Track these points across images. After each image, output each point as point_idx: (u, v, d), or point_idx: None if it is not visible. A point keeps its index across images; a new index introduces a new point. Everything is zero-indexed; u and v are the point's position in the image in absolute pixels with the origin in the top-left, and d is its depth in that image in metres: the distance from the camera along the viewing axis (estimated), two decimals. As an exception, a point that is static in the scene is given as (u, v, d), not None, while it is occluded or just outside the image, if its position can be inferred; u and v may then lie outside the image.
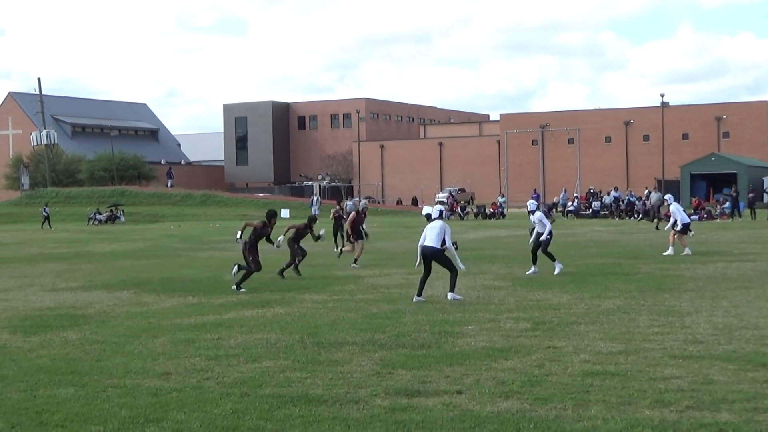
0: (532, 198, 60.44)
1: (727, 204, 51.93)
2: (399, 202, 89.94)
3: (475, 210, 63.14)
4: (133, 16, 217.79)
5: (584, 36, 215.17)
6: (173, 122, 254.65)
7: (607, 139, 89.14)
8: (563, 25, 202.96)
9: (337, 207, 30.86)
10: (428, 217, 19.63)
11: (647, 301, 14.86)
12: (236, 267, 18.37)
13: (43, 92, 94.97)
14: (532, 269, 20.01)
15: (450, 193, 78.14)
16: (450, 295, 15.53)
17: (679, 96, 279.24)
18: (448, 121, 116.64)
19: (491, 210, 61.63)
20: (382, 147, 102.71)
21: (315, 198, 67.80)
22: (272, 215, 19.19)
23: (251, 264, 18.16)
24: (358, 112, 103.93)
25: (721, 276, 18.75)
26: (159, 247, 33.81)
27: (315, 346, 11.31)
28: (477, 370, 9.66)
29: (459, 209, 62.24)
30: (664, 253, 24.56)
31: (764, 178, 70.40)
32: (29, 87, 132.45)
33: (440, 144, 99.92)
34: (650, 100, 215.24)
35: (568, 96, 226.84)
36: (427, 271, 15.81)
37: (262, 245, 18.80)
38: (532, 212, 20.96)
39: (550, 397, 8.42)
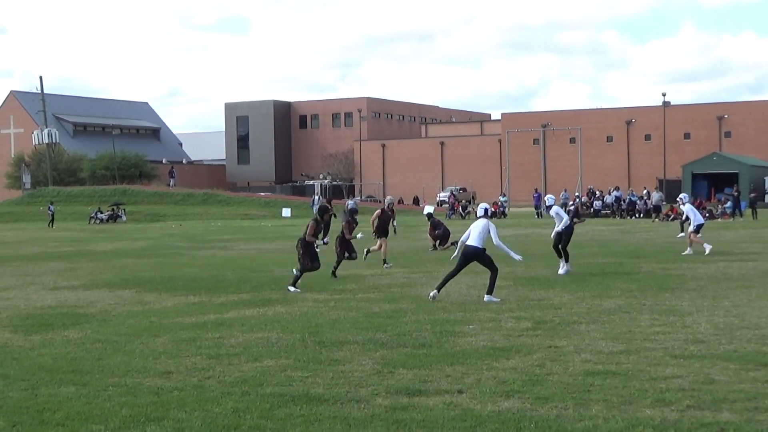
0: (539, 197, 60.52)
1: (729, 203, 51.92)
2: (400, 202, 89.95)
3: (476, 209, 63.13)
4: (135, 14, 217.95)
5: (586, 35, 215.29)
6: (175, 121, 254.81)
7: (609, 139, 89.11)
8: (565, 24, 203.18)
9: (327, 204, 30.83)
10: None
11: (648, 301, 14.85)
12: (296, 269, 17.99)
13: (45, 91, 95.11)
14: (563, 267, 19.75)
15: (451, 193, 78.20)
16: (486, 297, 15.29)
17: (681, 95, 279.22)
18: (450, 120, 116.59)
19: (493, 209, 61.62)
20: (383, 146, 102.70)
21: (316, 197, 67.81)
22: (324, 210, 18.69)
23: (303, 263, 17.65)
24: (359, 111, 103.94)
25: (723, 275, 18.74)
26: (160, 246, 33.82)
27: (316, 345, 11.31)
28: (478, 370, 9.66)
29: (460, 209, 62.25)
30: (683, 253, 24.31)
31: (766, 178, 70.43)
32: (31, 86, 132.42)
33: (442, 143, 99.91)
34: (652, 99, 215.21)
35: (570, 95, 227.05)
36: (458, 269, 15.63)
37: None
38: (550, 207, 20.76)
39: (551, 396, 8.42)
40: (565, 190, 65.01)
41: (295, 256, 18.24)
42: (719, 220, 49.02)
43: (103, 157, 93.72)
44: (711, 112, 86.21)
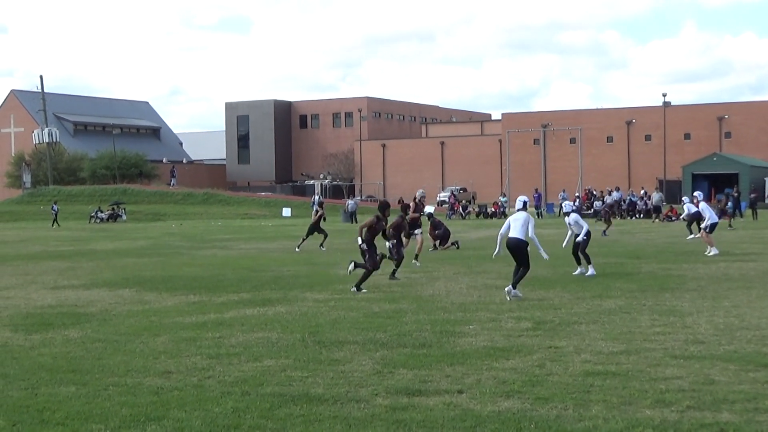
0: (540, 197, 60.51)
1: (729, 204, 51.88)
2: (400, 201, 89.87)
3: (476, 209, 63.16)
4: (136, 14, 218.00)
5: (587, 35, 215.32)
6: (175, 120, 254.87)
7: (609, 139, 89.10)
8: (566, 25, 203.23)
9: (318, 207, 30.88)
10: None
11: (648, 301, 14.85)
12: (353, 264, 17.47)
13: (46, 90, 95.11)
14: (579, 270, 19.55)
15: (452, 192, 78.16)
16: (512, 292, 15.27)
17: (682, 95, 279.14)
18: (450, 120, 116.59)
19: (493, 209, 61.66)
20: (383, 146, 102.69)
21: (317, 197, 67.83)
22: (385, 207, 17.98)
23: (368, 263, 17.15)
24: (360, 110, 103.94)
25: (723, 276, 18.73)
26: (160, 246, 33.83)
27: (316, 345, 11.31)
28: (478, 370, 9.66)
29: (461, 208, 62.24)
30: (707, 254, 24.09)
31: (766, 179, 70.41)
32: (31, 85, 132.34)
33: (442, 143, 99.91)
34: (653, 99, 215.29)
35: (571, 95, 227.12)
36: (518, 263, 15.67)
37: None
38: (567, 214, 20.44)
39: (551, 396, 8.42)
40: (564, 191, 64.94)
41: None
42: (721, 220, 48.93)
43: (104, 157, 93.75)
44: (711, 113, 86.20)
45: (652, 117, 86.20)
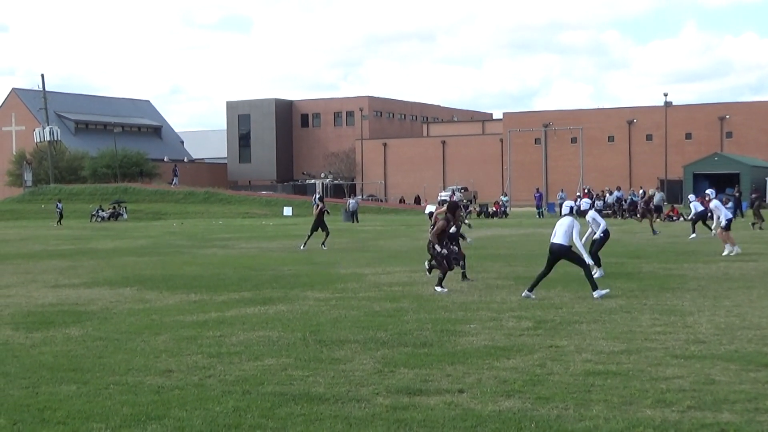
0: (541, 196, 60.36)
1: (730, 204, 51.84)
2: (402, 201, 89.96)
3: (477, 209, 63.14)
4: (137, 13, 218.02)
5: (588, 35, 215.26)
6: (176, 119, 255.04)
7: (610, 139, 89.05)
8: (567, 24, 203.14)
9: (318, 201, 30.90)
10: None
11: (649, 301, 14.85)
12: (428, 266, 17.54)
13: (47, 89, 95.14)
14: (598, 271, 19.10)
15: (453, 192, 78.10)
16: (596, 294, 15.20)
17: (683, 95, 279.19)
18: (452, 119, 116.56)
19: (494, 209, 61.64)
20: (385, 145, 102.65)
21: (317, 196, 67.82)
22: (455, 207, 17.95)
23: (446, 263, 16.96)
24: (361, 110, 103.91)
25: (724, 276, 18.73)
26: (161, 245, 33.83)
27: (317, 344, 11.32)
28: (479, 369, 9.66)
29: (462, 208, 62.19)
30: (723, 254, 23.85)
31: (767, 179, 70.33)
32: (33, 83, 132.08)
33: (443, 142, 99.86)
34: (654, 99, 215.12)
35: (572, 95, 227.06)
36: (548, 268, 15.73)
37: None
38: (585, 212, 20.16)
39: (552, 396, 8.42)
40: (562, 191, 64.89)
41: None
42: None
43: (105, 155, 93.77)
44: (712, 113, 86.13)
45: (653, 117, 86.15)
